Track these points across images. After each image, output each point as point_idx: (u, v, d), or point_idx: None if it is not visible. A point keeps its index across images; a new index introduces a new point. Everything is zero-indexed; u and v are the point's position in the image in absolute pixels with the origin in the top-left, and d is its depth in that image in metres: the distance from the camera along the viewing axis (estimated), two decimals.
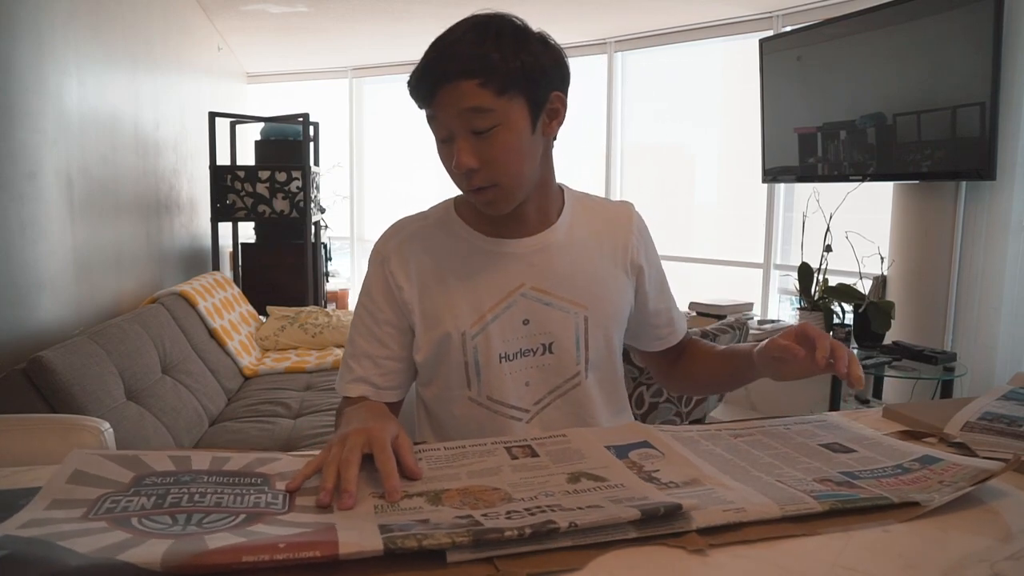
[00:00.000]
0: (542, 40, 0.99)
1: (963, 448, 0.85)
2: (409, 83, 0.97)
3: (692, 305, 3.92)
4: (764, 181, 3.84)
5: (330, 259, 5.48)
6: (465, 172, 0.96)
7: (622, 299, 1.12)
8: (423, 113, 0.99)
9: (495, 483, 0.74)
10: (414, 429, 1.17)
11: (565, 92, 1.02)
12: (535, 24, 1.01)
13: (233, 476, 0.74)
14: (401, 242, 1.09)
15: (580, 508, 0.66)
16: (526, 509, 0.66)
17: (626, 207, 1.17)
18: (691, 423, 2.58)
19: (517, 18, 0.99)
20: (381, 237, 1.12)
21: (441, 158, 1.00)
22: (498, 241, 1.07)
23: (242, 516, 0.65)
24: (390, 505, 0.69)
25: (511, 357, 1.05)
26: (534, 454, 0.83)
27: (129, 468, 0.73)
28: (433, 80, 0.94)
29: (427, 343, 1.06)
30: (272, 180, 4.05)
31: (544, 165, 1.05)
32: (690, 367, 1.23)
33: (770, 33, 4.07)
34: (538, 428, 1.06)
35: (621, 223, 1.14)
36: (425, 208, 1.15)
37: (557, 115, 1.01)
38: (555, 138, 1.05)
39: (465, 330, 1.04)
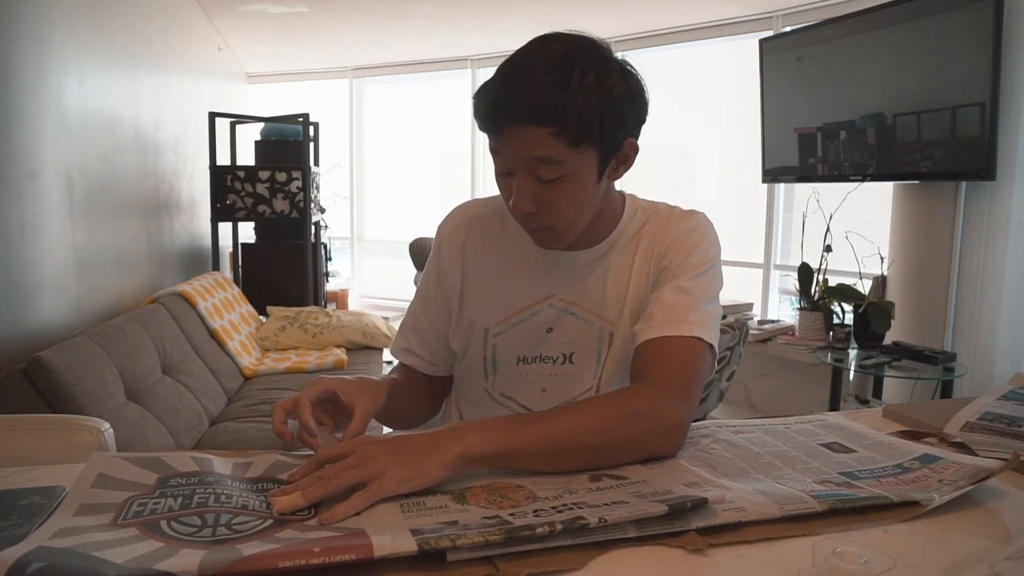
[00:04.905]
0: (622, 74, 0.91)
1: (963, 448, 0.85)
2: (476, 107, 0.91)
3: None
4: (764, 181, 3.84)
5: (330, 259, 5.48)
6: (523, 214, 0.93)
7: None
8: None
9: (519, 481, 0.75)
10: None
11: (638, 136, 0.95)
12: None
13: (257, 483, 0.74)
14: (456, 227, 1.10)
15: (606, 504, 0.66)
16: (552, 507, 0.67)
17: (681, 216, 1.05)
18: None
19: (602, 44, 0.91)
20: (444, 218, 1.13)
21: (499, 187, 0.96)
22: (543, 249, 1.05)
23: (270, 521, 0.65)
24: (416, 505, 0.68)
25: (529, 360, 1.06)
26: None
27: (152, 470, 0.74)
28: (503, 118, 0.87)
29: (457, 329, 1.10)
30: (272, 180, 4.05)
31: (602, 200, 1.00)
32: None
33: (770, 33, 4.07)
34: None
35: (663, 235, 1.04)
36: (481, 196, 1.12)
37: (627, 161, 0.96)
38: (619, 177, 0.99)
39: (488, 327, 1.07)
